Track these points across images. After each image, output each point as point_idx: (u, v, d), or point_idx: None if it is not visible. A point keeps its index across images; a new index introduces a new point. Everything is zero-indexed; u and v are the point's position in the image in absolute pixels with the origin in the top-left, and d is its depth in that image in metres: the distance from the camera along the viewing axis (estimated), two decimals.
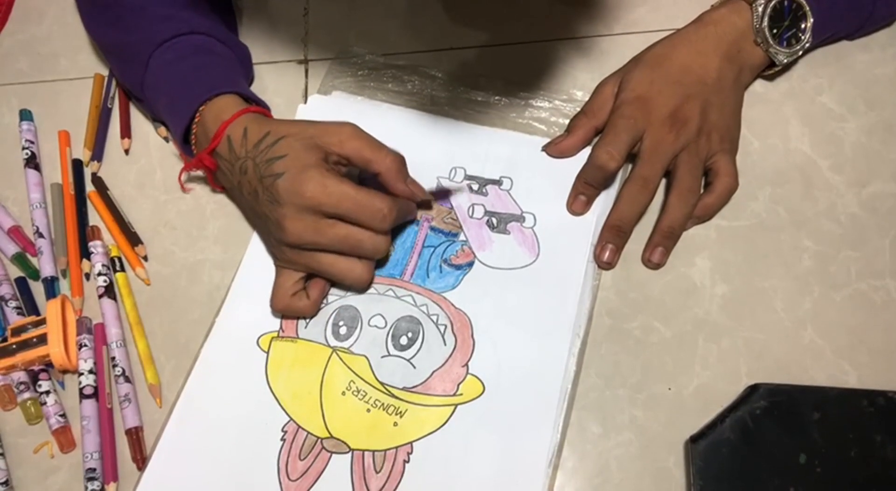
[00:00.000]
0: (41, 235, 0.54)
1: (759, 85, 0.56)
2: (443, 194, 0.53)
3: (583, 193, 0.52)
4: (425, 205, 0.53)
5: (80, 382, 0.48)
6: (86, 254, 0.53)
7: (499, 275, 0.50)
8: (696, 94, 0.50)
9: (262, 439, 0.46)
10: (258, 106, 0.52)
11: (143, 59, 0.53)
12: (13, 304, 0.52)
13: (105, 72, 0.61)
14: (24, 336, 0.49)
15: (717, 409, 0.45)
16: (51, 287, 0.52)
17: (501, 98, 0.57)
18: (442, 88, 0.57)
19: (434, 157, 0.55)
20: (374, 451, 0.46)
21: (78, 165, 0.57)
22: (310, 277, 0.49)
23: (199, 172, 0.54)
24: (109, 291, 0.51)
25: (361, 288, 0.50)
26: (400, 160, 0.47)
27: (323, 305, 0.50)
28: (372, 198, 0.45)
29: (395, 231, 0.52)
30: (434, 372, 0.48)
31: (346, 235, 0.46)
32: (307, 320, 0.50)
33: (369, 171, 0.47)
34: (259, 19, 0.62)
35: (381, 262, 0.51)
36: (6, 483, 0.46)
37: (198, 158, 0.50)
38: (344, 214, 0.45)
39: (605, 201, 0.52)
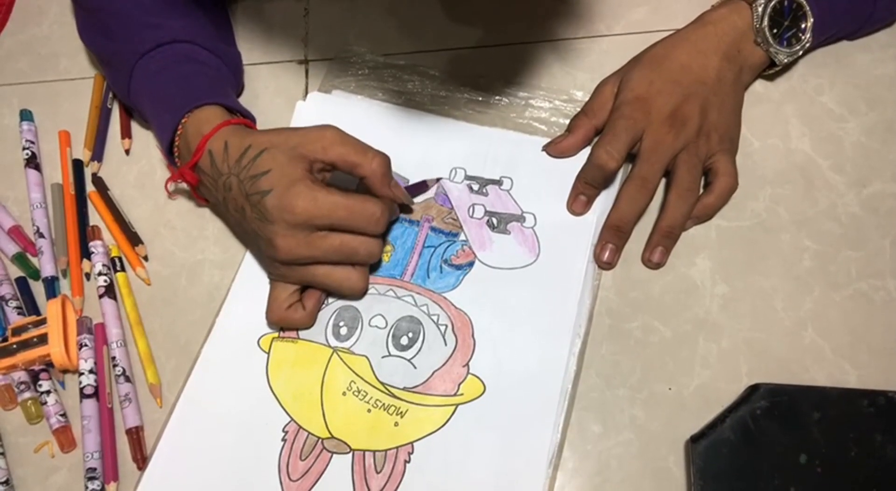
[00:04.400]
0: (41, 235, 0.54)
1: (760, 85, 0.56)
2: (416, 189, 0.53)
3: (583, 193, 0.52)
4: (406, 209, 0.52)
5: (80, 382, 0.48)
6: (86, 254, 0.53)
7: (499, 275, 0.50)
8: (696, 93, 0.50)
9: (263, 439, 0.46)
10: (242, 117, 0.51)
11: (128, 69, 0.52)
12: (13, 303, 0.52)
13: None
14: (25, 336, 0.49)
15: (718, 409, 0.45)
16: (51, 287, 0.52)
17: (502, 98, 0.57)
18: (442, 88, 0.57)
19: (434, 157, 0.55)
20: (374, 451, 0.46)
21: (78, 165, 0.57)
22: (305, 288, 0.49)
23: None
24: (110, 291, 0.51)
25: (358, 296, 0.50)
26: (386, 163, 0.46)
27: (324, 306, 0.50)
28: (363, 203, 0.45)
29: (395, 232, 0.52)
30: (435, 372, 0.48)
31: (340, 245, 0.45)
32: None
33: (355, 175, 0.46)
34: (259, 20, 0.62)
35: (377, 265, 0.51)
36: (7, 483, 0.46)
37: (179, 173, 0.49)
38: (337, 224, 0.45)
39: (605, 201, 0.52)
